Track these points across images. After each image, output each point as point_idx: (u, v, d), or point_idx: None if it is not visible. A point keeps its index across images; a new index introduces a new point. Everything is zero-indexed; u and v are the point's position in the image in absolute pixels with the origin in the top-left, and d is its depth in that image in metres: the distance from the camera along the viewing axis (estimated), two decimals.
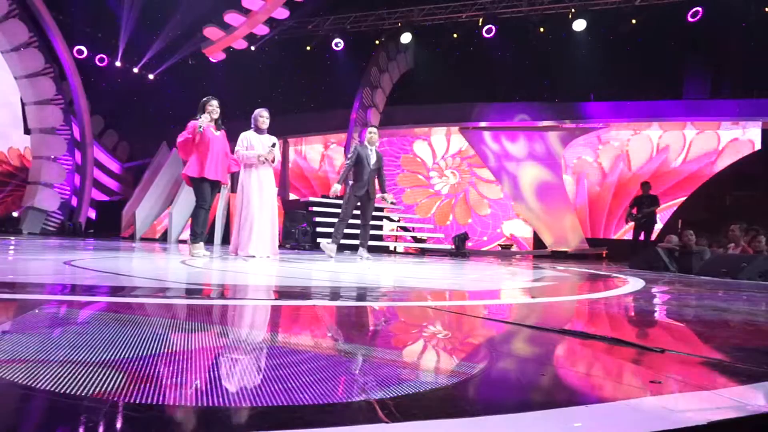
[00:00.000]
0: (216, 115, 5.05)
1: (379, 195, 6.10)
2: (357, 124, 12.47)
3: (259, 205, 5.34)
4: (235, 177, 5.77)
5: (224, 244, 9.68)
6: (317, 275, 3.65)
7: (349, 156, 6.06)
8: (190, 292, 2.34)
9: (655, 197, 8.94)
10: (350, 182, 6.14)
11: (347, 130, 12.55)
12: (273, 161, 5.39)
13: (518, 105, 13.24)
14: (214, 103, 5.06)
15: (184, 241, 10.34)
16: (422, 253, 11.18)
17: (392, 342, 1.39)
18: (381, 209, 11.55)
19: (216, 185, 5.12)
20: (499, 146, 13.47)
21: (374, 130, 6.10)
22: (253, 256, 5.19)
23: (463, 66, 13.09)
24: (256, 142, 5.35)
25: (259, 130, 5.37)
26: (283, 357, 1.09)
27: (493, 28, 12.30)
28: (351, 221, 6.22)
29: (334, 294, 2.47)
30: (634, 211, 8.79)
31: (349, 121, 12.46)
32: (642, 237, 8.76)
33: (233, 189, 9.87)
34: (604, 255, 11.74)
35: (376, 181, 6.11)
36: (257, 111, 5.42)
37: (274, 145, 5.35)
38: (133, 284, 2.55)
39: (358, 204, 6.07)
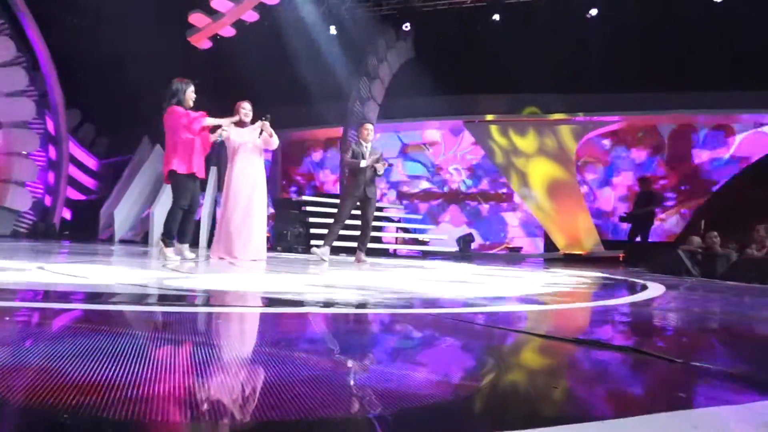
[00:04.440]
0: (192, 103, 4.89)
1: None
2: (354, 118, 12.44)
3: (249, 203, 5.32)
4: (221, 171, 5.78)
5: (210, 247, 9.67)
6: (309, 280, 3.64)
7: (349, 155, 6.09)
8: (172, 299, 2.33)
9: (652, 194, 8.99)
10: (346, 182, 6.20)
11: (343, 124, 12.53)
12: (270, 135, 5.41)
13: (527, 96, 13.22)
14: (193, 88, 4.90)
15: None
16: (424, 255, 11.17)
17: (392, 353, 1.38)
18: (380, 209, 11.53)
19: (199, 185, 5.07)
20: (507, 141, 13.46)
21: (370, 126, 6.23)
22: (249, 260, 5.20)
23: (468, 55, 13.05)
24: (237, 137, 5.34)
25: (241, 123, 5.35)
26: (274, 368, 1.08)
27: (500, 14, 12.30)
28: (351, 222, 6.26)
29: (329, 301, 2.46)
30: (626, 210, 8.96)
31: (346, 114, 12.44)
32: (639, 238, 8.88)
33: (220, 186, 9.84)
34: (621, 258, 11.71)
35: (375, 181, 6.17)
36: (239, 104, 5.38)
37: (266, 118, 5.39)
38: (112, 290, 2.54)
39: (357, 204, 6.10)
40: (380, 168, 6.08)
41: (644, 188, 9.10)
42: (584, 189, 13.46)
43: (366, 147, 6.09)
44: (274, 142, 5.55)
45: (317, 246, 6.20)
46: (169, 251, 4.80)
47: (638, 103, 12.52)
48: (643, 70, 12.06)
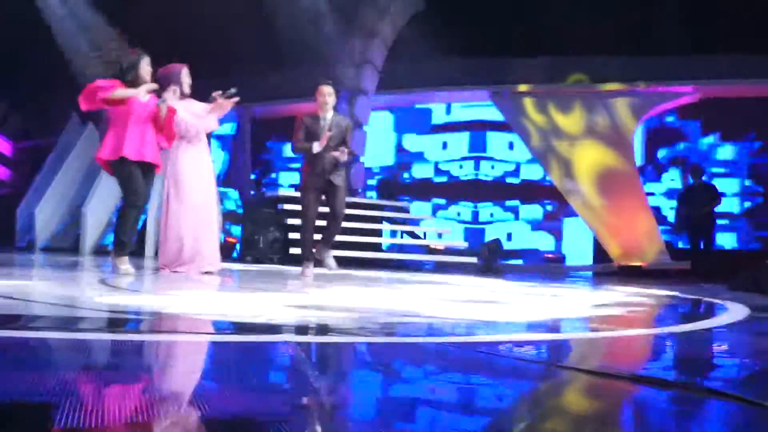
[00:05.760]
0: (149, 79, 4.95)
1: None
2: (345, 87, 12.43)
3: (207, 201, 5.35)
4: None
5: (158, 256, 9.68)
6: (284, 299, 3.65)
7: (298, 136, 5.67)
8: (113, 324, 2.35)
9: (712, 187, 9.03)
10: (303, 173, 5.88)
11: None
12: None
13: (573, 60, 13.18)
14: (148, 60, 4.97)
15: (103, 253, 10.34)
16: (436, 267, 11.17)
17: (394, 393, 1.40)
18: (381, 207, 11.51)
19: (149, 172, 5.07)
20: (545, 118, 13.44)
21: (328, 90, 5.78)
22: (211, 272, 5.26)
23: (496, 5, 13.04)
24: (183, 113, 5.33)
25: (182, 96, 5.31)
26: (239, 412, 1.09)
27: None
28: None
29: (306, 327, 2.47)
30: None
31: (335, 84, 12.41)
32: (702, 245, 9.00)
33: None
34: (691, 271, 11.70)
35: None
36: (179, 68, 5.33)
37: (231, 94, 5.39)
38: (33, 312, 2.55)
39: (322, 198, 5.84)
40: (340, 155, 5.55)
41: (697, 179, 9.18)
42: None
43: (324, 119, 5.65)
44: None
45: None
46: (122, 262, 4.85)
47: (714, 67, 12.44)
48: (723, 27, 11.98)
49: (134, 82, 4.87)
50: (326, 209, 5.91)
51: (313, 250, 5.82)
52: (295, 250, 9.20)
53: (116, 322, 2.44)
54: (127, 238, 4.96)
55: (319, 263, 5.96)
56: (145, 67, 4.94)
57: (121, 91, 4.84)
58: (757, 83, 12.49)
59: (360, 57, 12.62)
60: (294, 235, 9.74)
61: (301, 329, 2.39)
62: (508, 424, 1.17)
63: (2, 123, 15.03)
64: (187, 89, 5.36)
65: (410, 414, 1.22)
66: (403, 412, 1.23)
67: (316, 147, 5.52)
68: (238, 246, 11.02)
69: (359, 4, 12.60)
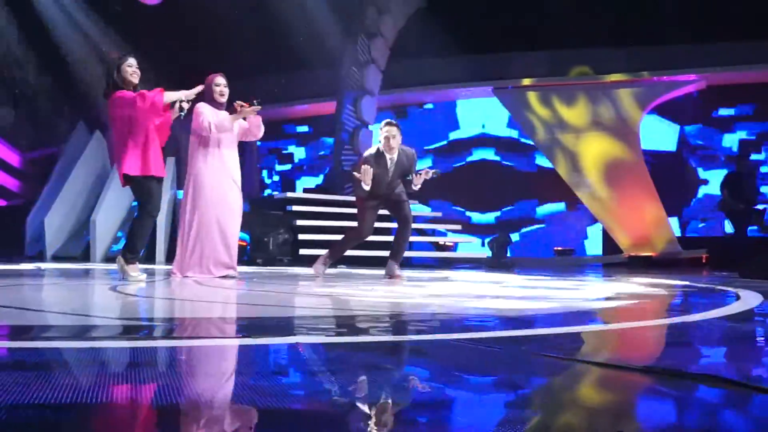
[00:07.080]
0: (137, 80, 4.86)
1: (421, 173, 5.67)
2: (349, 88, 12.44)
3: (231, 207, 5.36)
4: (182, 163, 5.78)
5: (169, 262, 9.70)
6: (298, 301, 3.66)
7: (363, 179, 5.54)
8: (127, 331, 2.35)
9: (752, 181, 9.01)
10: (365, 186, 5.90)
11: (336, 97, 12.52)
12: (258, 127, 5.54)
13: (576, 53, 13.14)
14: (133, 62, 4.87)
15: (114, 261, 10.38)
16: (446, 263, 11.18)
17: (416, 390, 1.40)
18: None
19: (161, 181, 5.08)
20: (550, 111, 13.41)
21: (391, 130, 5.62)
22: (231, 277, 5.29)
23: (499, 1, 13.01)
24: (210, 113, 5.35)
25: (216, 104, 5.31)
26: (262, 419, 1.09)
27: None
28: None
29: (323, 327, 2.47)
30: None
31: (338, 84, 12.42)
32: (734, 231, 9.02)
33: (179, 184, 9.88)
34: (704, 260, 11.66)
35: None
36: (211, 78, 5.30)
37: (257, 102, 5.40)
38: (46, 322, 2.56)
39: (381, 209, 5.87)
40: (418, 180, 5.58)
41: (743, 168, 9.17)
42: None
43: (391, 160, 5.59)
44: (260, 132, 5.59)
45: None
46: (132, 269, 4.84)
47: (720, 56, 12.37)
48: (733, 10, 11.87)
49: (118, 84, 4.79)
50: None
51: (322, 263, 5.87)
52: (304, 251, 9.24)
53: (130, 329, 2.45)
54: (141, 246, 5.00)
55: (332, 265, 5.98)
56: (128, 68, 4.82)
57: (168, 96, 4.82)
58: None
59: (363, 56, 12.61)
60: (303, 236, 9.76)
61: (318, 329, 2.39)
62: (524, 417, 1.17)
63: (10, 134, 15.08)
64: (218, 98, 5.31)
65: (424, 409, 1.22)
66: (418, 406, 1.23)
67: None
68: (247, 248, 11.06)
69: (361, 2, 12.58)
